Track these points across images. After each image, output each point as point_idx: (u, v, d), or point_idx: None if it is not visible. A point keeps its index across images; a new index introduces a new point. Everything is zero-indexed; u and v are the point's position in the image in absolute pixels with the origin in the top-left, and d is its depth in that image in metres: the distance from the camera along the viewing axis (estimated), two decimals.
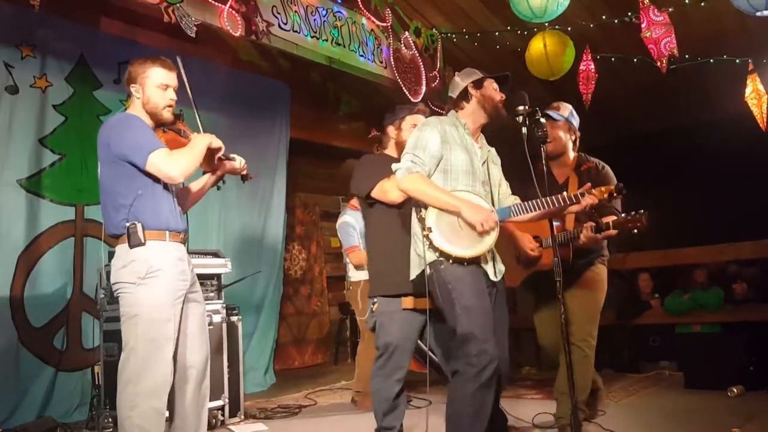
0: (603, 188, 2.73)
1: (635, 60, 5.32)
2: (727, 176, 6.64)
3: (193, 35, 4.09)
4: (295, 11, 4.90)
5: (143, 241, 2.50)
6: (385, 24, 5.71)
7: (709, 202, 6.81)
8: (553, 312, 3.34)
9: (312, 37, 5.02)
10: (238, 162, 2.81)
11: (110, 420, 3.81)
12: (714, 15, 5.06)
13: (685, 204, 6.89)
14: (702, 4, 4.85)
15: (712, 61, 5.31)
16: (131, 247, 2.50)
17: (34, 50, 4.47)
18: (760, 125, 5.19)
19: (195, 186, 2.91)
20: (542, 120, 2.71)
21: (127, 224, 2.51)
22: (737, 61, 5.27)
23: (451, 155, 2.70)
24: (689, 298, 5.36)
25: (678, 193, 6.79)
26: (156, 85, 2.60)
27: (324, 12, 5.18)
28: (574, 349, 3.16)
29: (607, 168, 3.47)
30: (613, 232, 3.10)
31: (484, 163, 2.82)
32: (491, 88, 2.81)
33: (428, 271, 2.63)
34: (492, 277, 2.71)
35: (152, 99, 2.61)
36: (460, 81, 2.86)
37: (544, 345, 3.60)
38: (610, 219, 3.11)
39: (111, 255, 4.29)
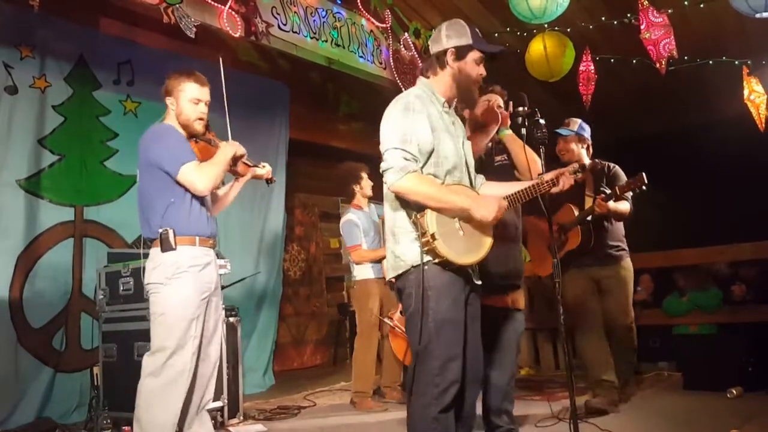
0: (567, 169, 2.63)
1: (634, 61, 5.32)
2: (726, 177, 6.64)
3: (193, 36, 4.10)
4: (295, 12, 4.90)
5: (174, 246, 2.68)
6: (384, 25, 5.72)
7: (709, 203, 6.81)
8: (592, 315, 3.94)
9: (311, 37, 5.02)
10: (264, 169, 3.06)
11: (109, 421, 3.81)
12: (713, 16, 5.07)
13: (684, 205, 6.89)
14: (701, 5, 4.86)
15: (711, 62, 5.32)
16: (163, 251, 2.68)
17: (33, 50, 4.47)
18: (759, 126, 5.20)
19: (222, 191, 3.12)
20: (541, 121, 2.70)
21: (161, 230, 2.69)
22: (736, 62, 5.28)
23: (440, 146, 2.37)
24: (688, 300, 5.35)
25: (678, 194, 6.78)
26: (189, 99, 2.83)
27: (323, 13, 5.18)
28: (625, 333, 3.97)
29: (617, 168, 3.99)
30: (623, 207, 3.70)
31: (463, 143, 2.52)
32: (472, 62, 2.43)
33: (406, 267, 2.35)
34: (476, 281, 2.48)
35: (185, 112, 2.84)
36: (444, 39, 2.44)
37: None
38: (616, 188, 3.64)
39: (110, 256, 4.35)
